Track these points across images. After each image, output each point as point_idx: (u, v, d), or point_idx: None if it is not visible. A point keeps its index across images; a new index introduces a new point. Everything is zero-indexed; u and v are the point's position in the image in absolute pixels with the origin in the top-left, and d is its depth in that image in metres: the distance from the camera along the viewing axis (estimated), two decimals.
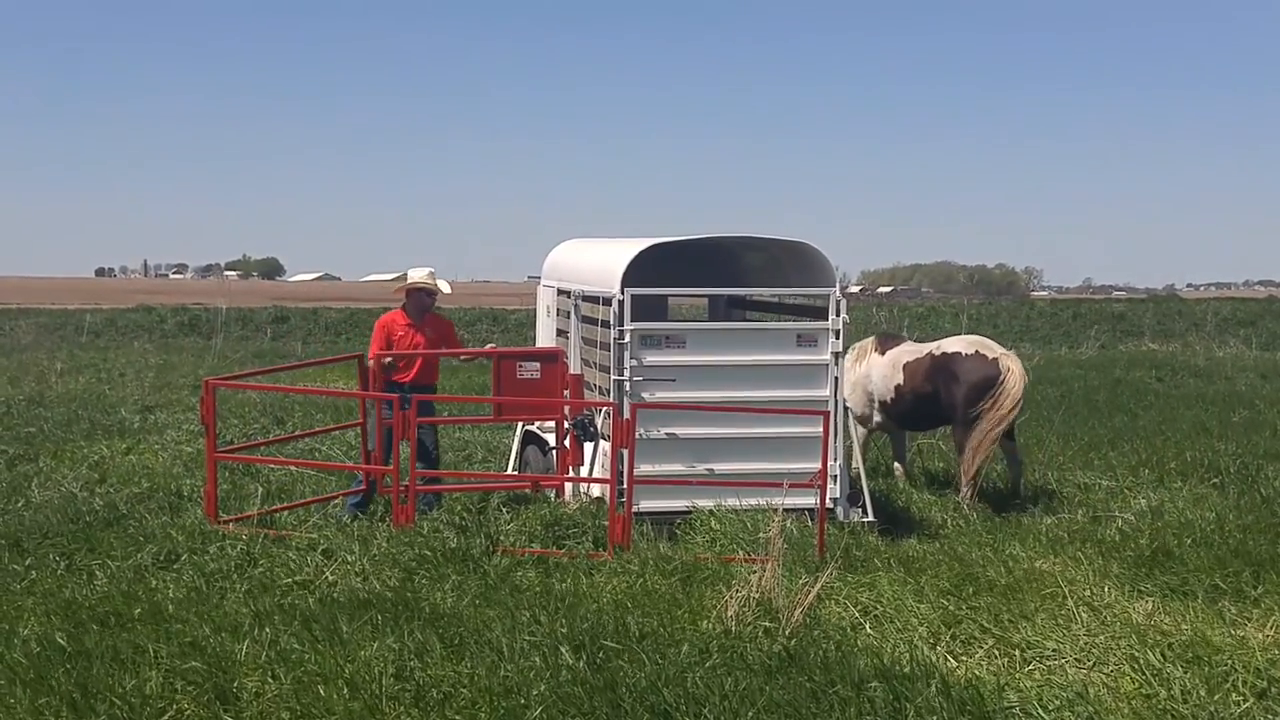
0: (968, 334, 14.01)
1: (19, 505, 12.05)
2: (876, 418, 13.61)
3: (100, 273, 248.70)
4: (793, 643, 7.97)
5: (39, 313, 52.68)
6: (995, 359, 12.74)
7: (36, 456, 14.95)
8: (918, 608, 8.79)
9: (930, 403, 13.12)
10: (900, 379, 13.18)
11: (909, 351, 13.35)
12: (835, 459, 11.01)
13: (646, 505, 10.77)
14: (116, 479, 13.45)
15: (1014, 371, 12.68)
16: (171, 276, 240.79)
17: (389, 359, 11.85)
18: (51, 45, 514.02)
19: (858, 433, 13.08)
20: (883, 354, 13.53)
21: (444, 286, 12.44)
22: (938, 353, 13.03)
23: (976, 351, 12.83)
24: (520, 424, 13.07)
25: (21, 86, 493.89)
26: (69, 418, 18.28)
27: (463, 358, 14.67)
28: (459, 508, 11.15)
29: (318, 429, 16.16)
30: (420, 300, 12.24)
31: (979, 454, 12.63)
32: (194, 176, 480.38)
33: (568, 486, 11.41)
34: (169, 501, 12.01)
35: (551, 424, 11.83)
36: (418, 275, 12.23)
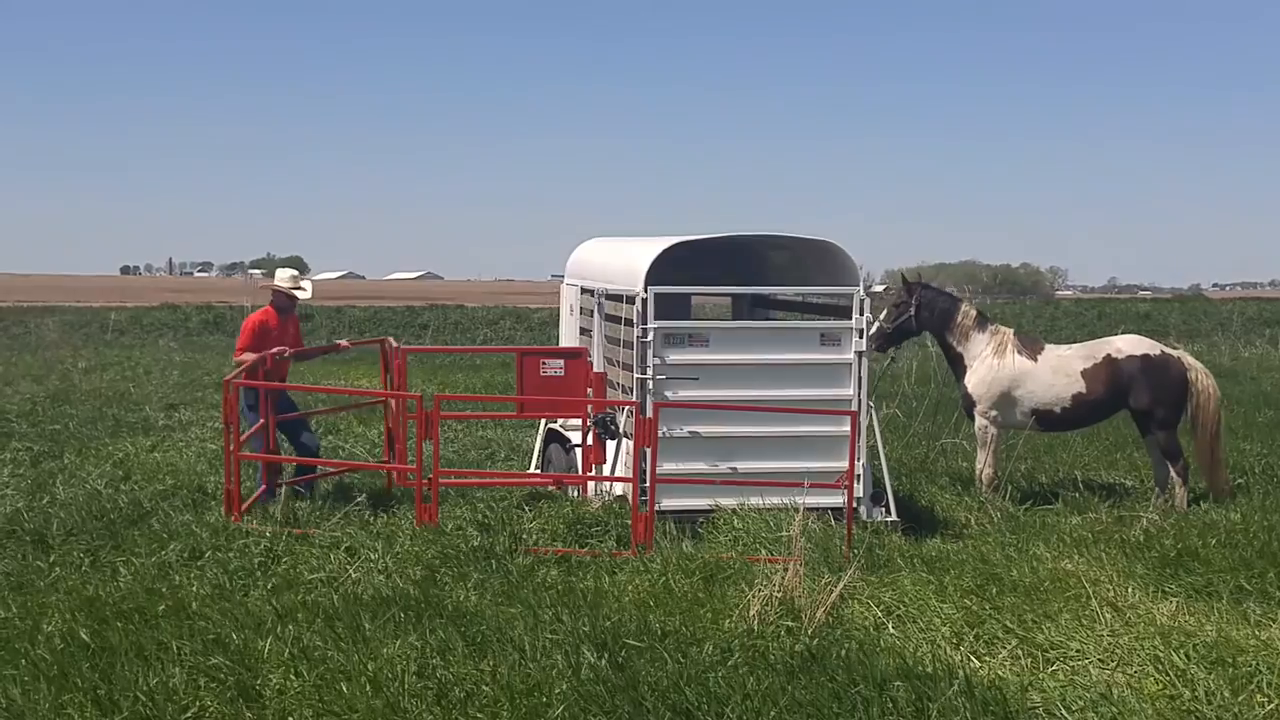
0: (1125, 333, 13.87)
1: (44, 502, 12.11)
2: (1018, 420, 13.17)
3: (126, 271, 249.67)
4: (815, 642, 7.95)
5: (65, 310, 53.02)
6: (1179, 357, 12.91)
7: (61, 454, 15.02)
8: (941, 608, 8.75)
9: (1106, 409, 13.13)
10: (1081, 387, 12.78)
11: (1077, 357, 12.96)
12: (860, 458, 10.99)
13: (669, 504, 10.76)
14: (141, 476, 13.50)
15: (1199, 368, 12.91)
16: (196, 275, 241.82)
17: (288, 352, 12.36)
18: (79, 46, 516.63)
19: (989, 434, 13.05)
20: (1034, 359, 12.98)
21: (306, 289, 12.85)
22: (1120, 356, 12.82)
23: (1162, 352, 12.88)
24: (543, 422, 13.09)
25: (49, 87, 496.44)
26: (94, 415, 18.38)
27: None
28: (482, 506, 11.16)
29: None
30: (282, 301, 12.64)
31: (1217, 452, 12.90)
32: (219, 175, 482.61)
33: (590, 485, 11.41)
34: (193, 498, 12.06)
35: (575, 422, 11.84)
36: (283, 277, 12.77)
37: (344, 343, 14.12)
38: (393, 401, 12.57)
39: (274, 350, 12.11)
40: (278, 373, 12.33)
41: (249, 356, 12.08)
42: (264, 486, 11.84)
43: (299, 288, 12.70)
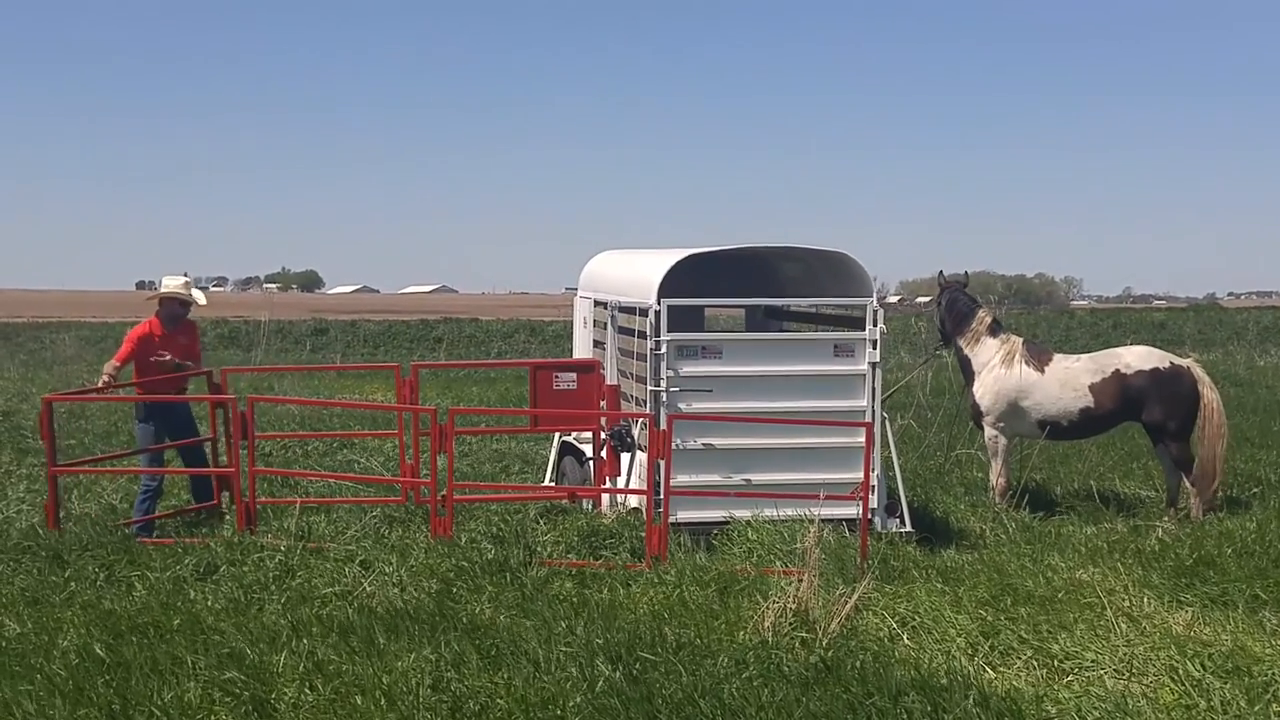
0: (1133, 345, 13.80)
1: (59, 517, 12.12)
2: (1024, 430, 13.22)
3: (141, 286, 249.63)
4: (829, 654, 7.94)
5: (80, 326, 53.09)
6: (1188, 368, 12.87)
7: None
8: (955, 618, 8.74)
9: (1115, 421, 13.13)
10: (1089, 402, 12.77)
11: (1086, 371, 12.91)
12: (874, 469, 10.98)
13: (683, 516, 10.77)
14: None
15: (1206, 380, 12.84)
16: (212, 289, 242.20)
17: (170, 358, 12.02)
18: (94, 61, 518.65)
19: (999, 445, 13.05)
20: (1041, 370, 12.95)
21: (198, 296, 12.50)
22: (1129, 371, 12.77)
23: (1171, 364, 12.83)
24: (557, 435, 13.09)
25: (64, 102, 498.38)
26: (108, 430, 18.39)
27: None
28: (496, 519, 11.17)
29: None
30: (173, 309, 12.28)
31: (1217, 467, 12.73)
32: (233, 190, 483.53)
33: (604, 497, 11.41)
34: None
35: (588, 435, 11.85)
36: (172, 284, 12.28)
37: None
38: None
39: (155, 356, 11.91)
40: (172, 385, 12.18)
41: (111, 365, 11.95)
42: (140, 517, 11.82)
43: (176, 294, 12.21)
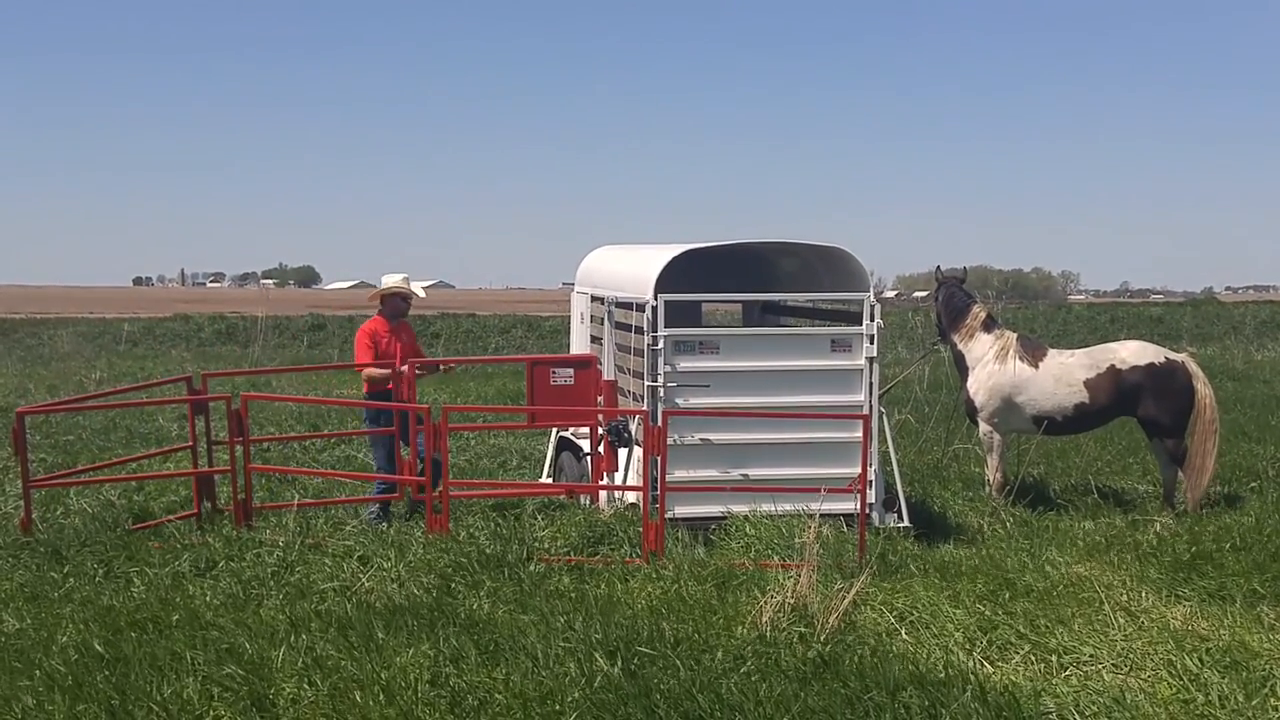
0: (1127, 340, 13.76)
1: (58, 513, 12.14)
2: (1019, 425, 13.20)
3: (138, 282, 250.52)
4: (828, 648, 7.95)
5: (78, 322, 53.11)
6: (1183, 363, 12.86)
7: (75, 464, 15.04)
8: (954, 613, 8.75)
9: (1110, 416, 13.13)
10: (1084, 398, 12.74)
11: (1080, 366, 12.88)
12: (872, 464, 10.98)
13: (681, 511, 10.77)
14: (154, 486, 13.51)
15: (1200, 375, 12.84)
16: (209, 285, 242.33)
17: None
18: (91, 56, 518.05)
19: (995, 440, 13.06)
20: (1035, 366, 12.93)
21: (418, 290, 12.66)
22: (1124, 367, 12.76)
23: (1166, 360, 12.82)
24: (555, 430, 13.10)
25: (62, 98, 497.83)
26: (107, 426, 18.39)
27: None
28: (494, 514, 11.18)
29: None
30: (396, 305, 12.47)
31: (1207, 462, 12.71)
32: (231, 186, 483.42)
33: (602, 493, 11.42)
34: (206, 509, 12.06)
35: (586, 430, 11.85)
36: (393, 280, 12.43)
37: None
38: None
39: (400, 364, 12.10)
40: (400, 381, 12.23)
41: (375, 372, 12.19)
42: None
43: (399, 290, 12.43)
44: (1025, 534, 11.67)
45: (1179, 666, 7.72)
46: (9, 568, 10.22)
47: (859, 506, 10.41)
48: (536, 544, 10.39)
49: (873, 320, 11.19)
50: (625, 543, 10.45)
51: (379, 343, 12.31)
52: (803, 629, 8.28)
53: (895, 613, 8.79)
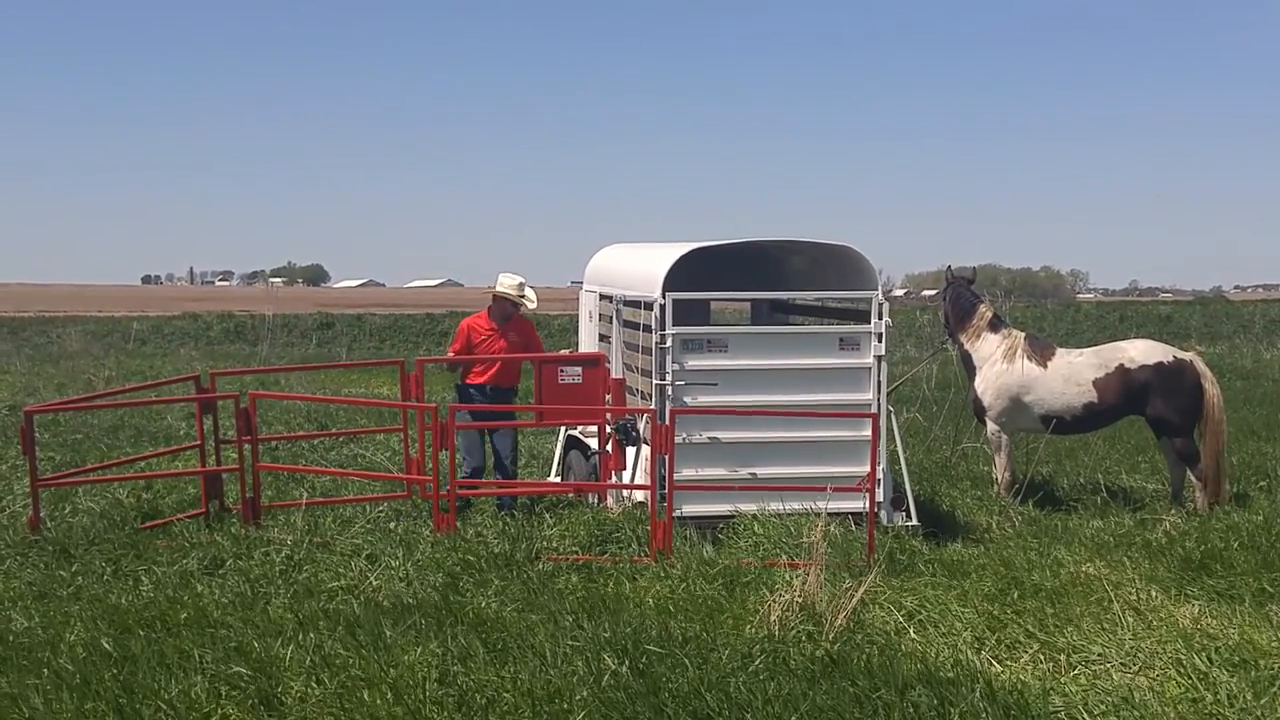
0: (1135, 339, 13.69)
1: (66, 511, 12.13)
2: (1027, 425, 13.17)
3: (147, 280, 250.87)
4: (836, 647, 7.95)
5: (86, 320, 53.17)
6: (1191, 361, 12.81)
7: (84, 463, 15.04)
8: (962, 612, 8.74)
9: (1119, 415, 13.08)
10: (1092, 396, 12.69)
11: (1089, 365, 12.82)
12: (880, 462, 10.97)
13: (689, 510, 10.76)
14: (162, 485, 13.51)
15: (1208, 374, 12.79)
16: (217, 284, 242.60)
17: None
18: (101, 55, 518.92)
19: (1002, 440, 13.05)
20: (1044, 365, 12.87)
21: (530, 297, 12.65)
22: (1132, 366, 12.70)
23: (1175, 358, 12.77)
24: (563, 429, 13.10)
25: (70, 96, 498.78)
26: (115, 424, 18.39)
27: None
28: (502, 513, 11.18)
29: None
30: (503, 307, 12.52)
31: (1220, 462, 12.71)
32: (239, 184, 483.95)
33: (610, 491, 11.41)
34: (214, 507, 12.08)
35: (594, 429, 11.84)
36: (506, 284, 12.51)
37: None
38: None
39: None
40: (503, 374, 12.45)
41: (438, 360, 13.03)
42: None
43: (505, 295, 12.49)
44: (1034, 533, 11.64)
45: (1188, 665, 7.71)
46: (17, 566, 10.22)
47: (867, 505, 10.40)
48: (544, 543, 10.40)
49: (881, 318, 11.18)
50: (633, 542, 10.46)
51: (473, 337, 12.48)
52: (811, 628, 8.28)
53: (904, 611, 8.78)
